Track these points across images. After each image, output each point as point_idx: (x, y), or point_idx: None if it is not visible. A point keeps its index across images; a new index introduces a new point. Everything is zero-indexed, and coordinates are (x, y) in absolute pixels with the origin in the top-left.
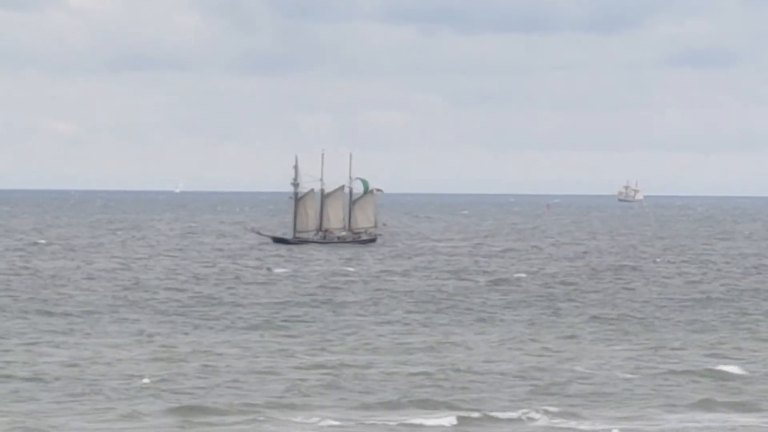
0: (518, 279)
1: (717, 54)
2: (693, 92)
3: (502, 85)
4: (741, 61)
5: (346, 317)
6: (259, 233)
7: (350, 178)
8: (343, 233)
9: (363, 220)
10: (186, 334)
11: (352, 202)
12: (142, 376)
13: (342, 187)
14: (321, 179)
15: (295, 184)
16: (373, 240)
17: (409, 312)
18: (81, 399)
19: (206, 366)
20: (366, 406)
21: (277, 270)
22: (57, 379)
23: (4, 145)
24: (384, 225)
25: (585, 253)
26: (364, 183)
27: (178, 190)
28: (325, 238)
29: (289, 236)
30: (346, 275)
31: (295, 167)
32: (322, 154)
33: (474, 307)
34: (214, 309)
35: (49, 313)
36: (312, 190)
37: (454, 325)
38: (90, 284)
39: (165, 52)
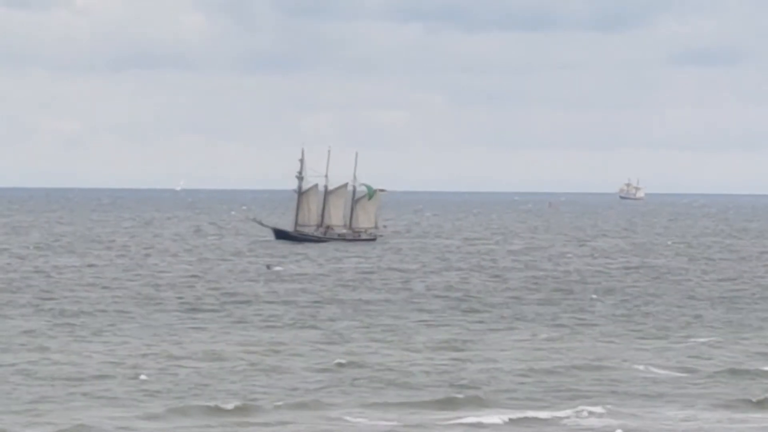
0: (550, 276)
1: (720, 53)
2: (695, 91)
3: (504, 84)
4: (744, 59)
5: (368, 315)
6: (261, 223)
7: (355, 177)
8: (344, 231)
9: (364, 220)
10: (227, 333)
11: (355, 201)
12: (177, 374)
13: (345, 185)
14: (326, 175)
15: (300, 177)
16: (373, 239)
17: (438, 310)
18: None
19: (254, 364)
20: (414, 405)
21: (276, 268)
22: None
23: (6, 144)
24: (384, 226)
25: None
26: (369, 189)
27: (179, 188)
28: (325, 234)
29: (290, 229)
30: (362, 273)
31: (301, 160)
32: (329, 151)
33: (509, 304)
34: (243, 307)
35: (81, 313)
36: (316, 185)
37: (490, 322)
38: (119, 283)
39: (168, 51)
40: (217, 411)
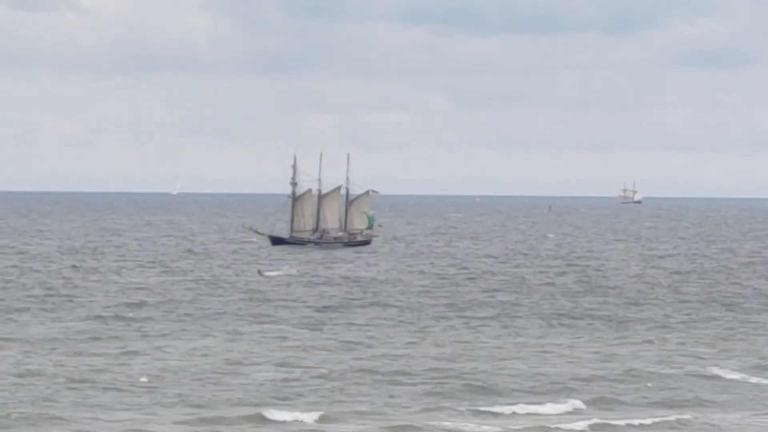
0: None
1: (727, 55)
2: (700, 93)
3: (508, 86)
4: (751, 61)
5: (381, 319)
6: (257, 232)
7: (348, 179)
8: (340, 234)
9: (359, 222)
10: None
11: (349, 203)
12: (206, 377)
13: (338, 188)
14: (318, 179)
15: (293, 183)
16: (368, 242)
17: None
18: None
19: (315, 369)
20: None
21: (268, 273)
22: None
23: (8, 145)
24: (380, 226)
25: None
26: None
27: (175, 192)
28: (321, 238)
29: (285, 235)
30: (364, 277)
31: (294, 166)
32: (321, 155)
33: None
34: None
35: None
36: (309, 190)
37: (544, 328)
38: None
39: (175, 52)
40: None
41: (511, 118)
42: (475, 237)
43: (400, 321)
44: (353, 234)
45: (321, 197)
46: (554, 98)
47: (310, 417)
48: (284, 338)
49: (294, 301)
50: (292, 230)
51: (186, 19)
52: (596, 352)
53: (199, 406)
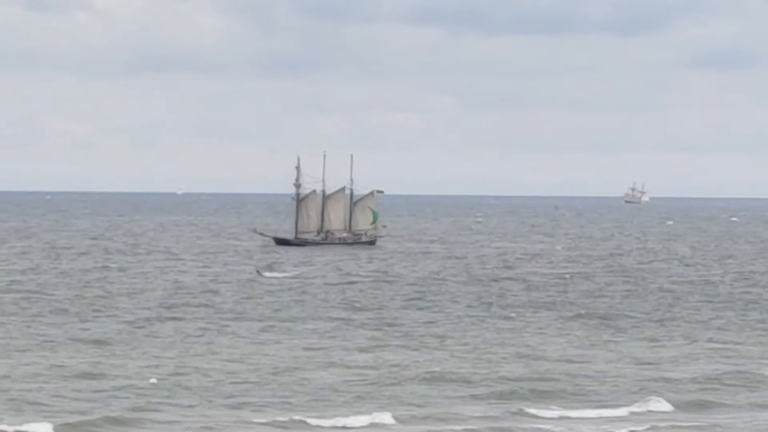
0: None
1: (737, 56)
2: (709, 94)
3: (518, 87)
4: (760, 63)
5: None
6: (261, 234)
7: (351, 180)
8: (344, 234)
9: (363, 222)
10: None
11: (353, 203)
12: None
13: (343, 189)
14: (322, 180)
15: (297, 185)
16: (373, 242)
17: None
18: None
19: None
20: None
21: (267, 274)
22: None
23: (15, 146)
24: (384, 227)
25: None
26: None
27: (180, 192)
28: (326, 239)
29: (290, 237)
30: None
31: (297, 168)
32: (324, 156)
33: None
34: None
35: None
36: (314, 191)
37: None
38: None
39: (186, 53)
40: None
41: (520, 120)
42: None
43: (458, 320)
44: (358, 234)
45: (325, 198)
46: (563, 99)
47: (385, 419)
48: (338, 339)
49: (329, 301)
50: (297, 231)
51: (196, 20)
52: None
53: (286, 409)
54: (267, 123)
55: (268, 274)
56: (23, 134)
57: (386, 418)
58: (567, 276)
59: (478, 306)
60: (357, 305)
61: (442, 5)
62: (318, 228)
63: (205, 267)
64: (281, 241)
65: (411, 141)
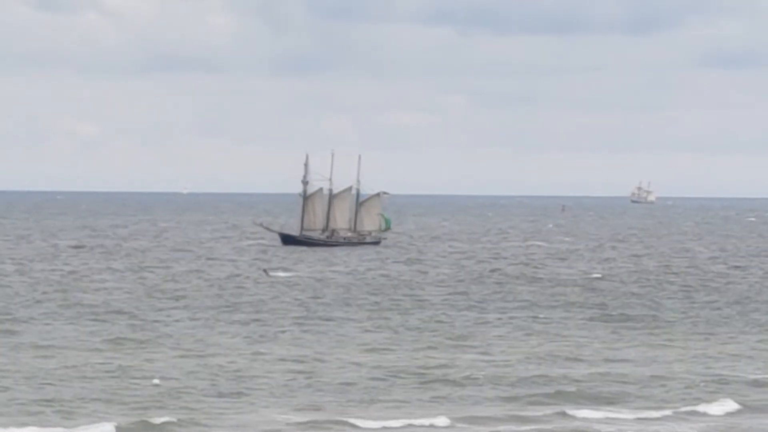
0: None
1: (747, 56)
2: (719, 94)
3: (528, 87)
4: None
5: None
6: (267, 228)
7: (358, 180)
8: (349, 234)
9: (369, 223)
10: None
11: (359, 203)
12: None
13: (349, 188)
14: (330, 179)
15: (305, 182)
16: (377, 243)
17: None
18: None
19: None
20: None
21: (273, 273)
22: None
23: (23, 146)
24: (389, 228)
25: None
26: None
27: (185, 192)
28: (331, 237)
29: (295, 233)
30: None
31: (306, 165)
32: (332, 154)
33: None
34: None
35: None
36: (321, 189)
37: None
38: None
39: (196, 53)
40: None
41: (530, 119)
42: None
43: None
44: (363, 235)
45: (332, 197)
46: (573, 99)
47: (435, 420)
48: (371, 339)
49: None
50: (302, 228)
51: (207, 20)
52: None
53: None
54: (276, 123)
55: (275, 273)
56: (31, 134)
57: (438, 420)
58: (598, 276)
59: (509, 306)
60: (383, 305)
61: (452, 5)
62: (323, 226)
63: (234, 265)
64: (286, 237)
65: (420, 140)
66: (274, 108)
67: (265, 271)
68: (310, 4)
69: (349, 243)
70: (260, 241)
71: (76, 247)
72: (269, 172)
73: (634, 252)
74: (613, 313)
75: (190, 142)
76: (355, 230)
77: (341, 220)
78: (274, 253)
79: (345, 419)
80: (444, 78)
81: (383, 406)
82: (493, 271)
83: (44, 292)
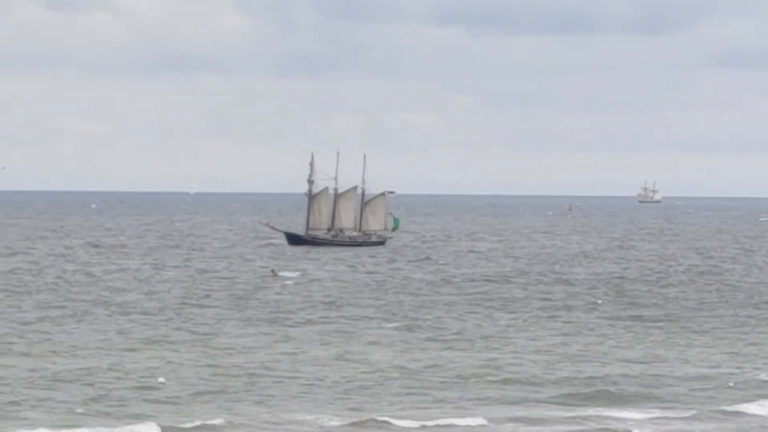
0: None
1: (758, 56)
2: (728, 94)
3: (537, 87)
4: None
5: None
6: (273, 228)
7: (363, 179)
8: (354, 233)
9: (374, 222)
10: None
11: (364, 203)
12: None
13: (355, 188)
14: (335, 178)
15: (310, 182)
16: (382, 242)
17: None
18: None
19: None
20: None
21: (282, 273)
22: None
23: (31, 146)
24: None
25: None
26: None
27: (192, 192)
28: (336, 237)
29: (301, 233)
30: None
31: (311, 164)
32: (337, 154)
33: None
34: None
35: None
36: (326, 188)
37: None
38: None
39: (205, 53)
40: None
41: (539, 119)
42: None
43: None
44: (368, 234)
45: (337, 196)
46: (583, 99)
47: (470, 421)
48: (398, 340)
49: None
50: (307, 227)
51: (217, 20)
52: None
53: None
54: (284, 123)
55: (283, 273)
56: (38, 133)
57: (475, 420)
58: (624, 276)
59: (535, 306)
60: (405, 304)
61: (461, 5)
62: (329, 226)
63: (249, 266)
64: (292, 237)
65: (428, 140)
66: (281, 108)
67: (273, 271)
68: (318, 3)
69: (354, 243)
70: (268, 241)
71: (97, 246)
72: (276, 171)
73: (656, 251)
74: (647, 313)
75: (197, 142)
76: (360, 230)
77: (346, 220)
78: (282, 253)
79: (387, 419)
80: (452, 78)
81: (418, 405)
82: (515, 271)
83: (72, 292)
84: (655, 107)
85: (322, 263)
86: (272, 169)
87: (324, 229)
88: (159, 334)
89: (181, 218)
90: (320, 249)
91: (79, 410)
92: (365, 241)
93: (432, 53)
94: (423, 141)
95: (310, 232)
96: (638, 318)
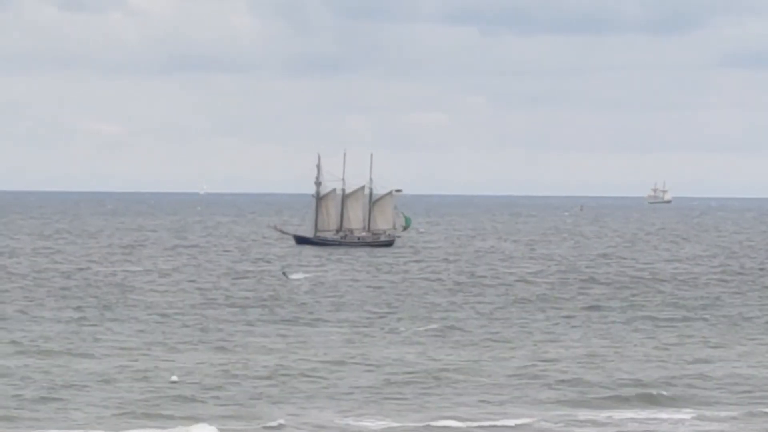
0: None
1: None
2: (743, 94)
3: (549, 87)
4: None
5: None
6: (282, 231)
7: (371, 179)
8: (363, 234)
9: (382, 222)
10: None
11: (372, 203)
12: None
13: (362, 188)
14: (342, 179)
15: (318, 183)
16: (391, 242)
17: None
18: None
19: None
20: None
21: (293, 276)
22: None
23: (44, 146)
24: (403, 227)
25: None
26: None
27: (202, 192)
28: (345, 237)
29: (310, 235)
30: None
31: (318, 166)
32: (344, 154)
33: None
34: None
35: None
36: (334, 189)
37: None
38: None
39: (219, 54)
40: None
41: (551, 119)
42: None
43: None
44: (377, 234)
45: (345, 197)
46: (596, 99)
47: (509, 422)
48: (432, 340)
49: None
50: (316, 229)
51: (230, 20)
52: None
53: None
54: (296, 123)
55: (294, 276)
56: (52, 134)
57: (513, 421)
58: (663, 276)
59: (574, 307)
60: (436, 307)
61: (475, 5)
62: (337, 226)
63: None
64: (301, 239)
65: (440, 141)
66: (294, 108)
67: (284, 273)
68: (331, 4)
69: (363, 243)
70: (279, 244)
71: (126, 246)
72: (288, 172)
73: (689, 252)
74: (689, 314)
75: (209, 143)
76: (368, 230)
77: (355, 220)
78: (294, 255)
79: (446, 423)
80: (465, 78)
81: (467, 403)
82: (543, 272)
83: (107, 293)
84: (668, 107)
85: (333, 264)
86: (284, 169)
87: (333, 230)
88: (197, 336)
89: (198, 219)
90: (329, 250)
91: (130, 411)
92: (374, 241)
93: (445, 53)
94: (435, 141)
95: (318, 234)
96: (682, 319)
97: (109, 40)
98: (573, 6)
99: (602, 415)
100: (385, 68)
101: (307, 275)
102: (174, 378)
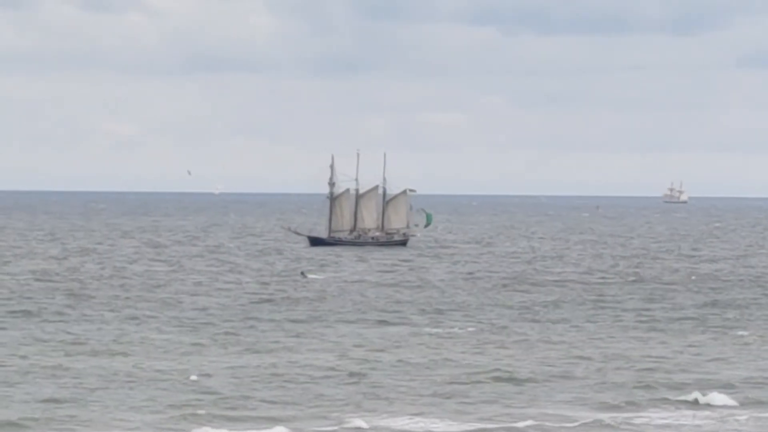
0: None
1: None
2: (759, 94)
3: (568, 86)
4: None
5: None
6: (296, 233)
7: (384, 178)
8: (377, 233)
9: (396, 221)
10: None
11: (386, 202)
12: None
13: (376, 188)
14: (356, 179)
15: (331, 184)
16: (405, 242)
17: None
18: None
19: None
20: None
21: (312, 276)
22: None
23: (62, 146)
24: (416, 225)
25: None
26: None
27: (217, 192)
28: (359, 237)
29: (324, 236)
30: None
31: (331, 167)
32: (358, 155)
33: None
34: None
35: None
36: (347, 189)
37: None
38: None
39: (237, 54)
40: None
41: (569, 119)
42: None
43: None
44: (390, 233)
45: (358, 197)
46: (614, 99)
47: (557, 424)
48: (454, 341)
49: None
50: (330, 230)
51: (249, 20)
52: None
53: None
54: (315, 123)
55: (312, 276)
56: (69, 133)
57: (561, 424)
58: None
59: (598, 308)
60: (445, 306)
61: (495, 5)
62: (351, 227)
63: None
64: (315, 240)
65: (458, 140)
66: (312, 108)
67: (302, 273)
68: (352, 3)
69: (376, 242)
70: (295, 245)
71: (156, 247)
72: (305, 172)
73: (716, 252)
74: (729, 315)
75: (226, 143)
76: (382, 229)
77: (369, 220)
78: (307, 256)
79: (507, 424)
80: (484, 78)
81: (507, 403)
82: (572, 273)
83: (147, 293)
84: (686, 107)
85: (353, 263)
86: (302, 170)
87: (347, 230)
88: (244, 338)
89: (229, 219)
90: (344, 250)
91: (201, 412)
92: (388, 240)
93: (463, 53)
94: (453, 141)
95: (332, 234)
96: (717, 321)
97: (128, 40)
98: (592, 6)
99: (641, 414)
100: (403, 68)
101: (323, 275)
102: (193, 377)
